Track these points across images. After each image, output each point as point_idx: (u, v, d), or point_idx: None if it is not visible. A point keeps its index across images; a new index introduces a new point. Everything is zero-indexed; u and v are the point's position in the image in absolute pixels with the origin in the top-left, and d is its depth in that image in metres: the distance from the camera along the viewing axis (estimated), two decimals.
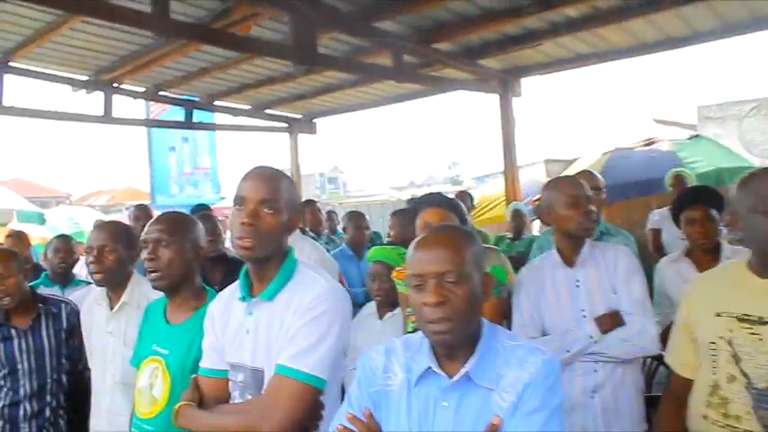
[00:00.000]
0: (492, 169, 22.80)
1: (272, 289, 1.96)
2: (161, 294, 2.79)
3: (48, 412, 3.16)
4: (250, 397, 1.94)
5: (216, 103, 8.72)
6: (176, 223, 2.45)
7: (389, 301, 3.36)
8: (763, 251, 1.98)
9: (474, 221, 6.89)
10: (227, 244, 4.11)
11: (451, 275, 1.60)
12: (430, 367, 1.65)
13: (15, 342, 3.15)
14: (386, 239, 4.86)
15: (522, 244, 6.20)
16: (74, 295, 3.73)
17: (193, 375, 2.14)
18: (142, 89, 8.00)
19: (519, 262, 3.61)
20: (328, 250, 4.55)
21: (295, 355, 1.83)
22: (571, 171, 8.35)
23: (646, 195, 7.07)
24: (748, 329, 1.97)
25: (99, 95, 7.63)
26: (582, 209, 2.73)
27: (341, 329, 1.91)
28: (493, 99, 7.71)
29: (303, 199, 5.94)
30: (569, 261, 2.78)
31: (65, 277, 4.44)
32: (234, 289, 2.12)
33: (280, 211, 1.95)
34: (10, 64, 6.76)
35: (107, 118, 7.66)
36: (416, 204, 2.90)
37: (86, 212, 13.42)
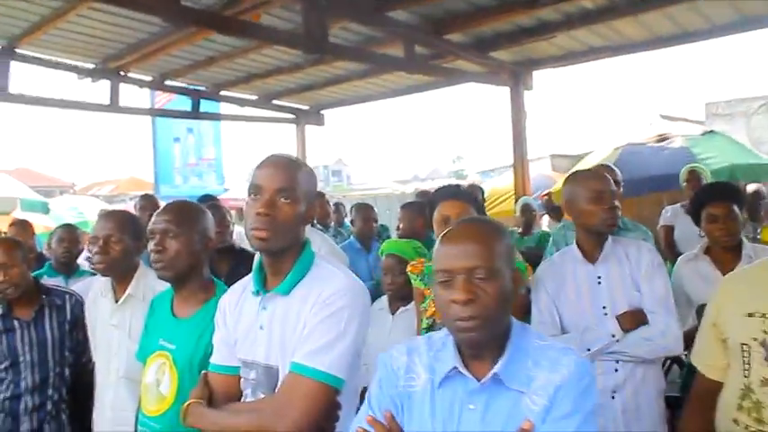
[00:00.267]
0: (497, 163, 22.69)
1: (288, 283, 1.86)
2: (168, 286, 2.72)
3: (49, 406, 3.08)
4: (263, 395, 1.85)
5: (222, 93, 8.63)
6: (184, 213, 2.36)
7: (402, 296, 3.27)
8: None
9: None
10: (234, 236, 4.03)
11: (481, 271, 1.51)
12: (455, 368, 1.57)
13: (18, 334, 3.07)
14: (395, 232, 4.77)
15: (532, 239, 6.11)
16: (76, 286, 3.65)
17: (203, 372, 2.05)
18: (149, 78, 7.92)
19: (528, 257, 3.52)
20: (336, 243, 4.47)
21: (311, 352, 1.74)
22: (581, 166, 8.26)
23: (657, 192, 6.96)
24: None
25: (104, 84, 7.58)
26: (605, 204, 2.65)
27: (359, 326, 1.82)
28: (499, 92, 7.61)
29: None
30: (591, 257, 2.71)
31: (69, 267, 4.36)
32: (247, 282, 2.03)
33: (297, 200, 1.86)
34: (16, 51, 6.68)
35: (113, 107, 7.58)
36: (434, 197, 2.82)
37: (90, 202, 13.36)
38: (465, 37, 6.70)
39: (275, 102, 9.22)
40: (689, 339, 2.54)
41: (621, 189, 3.87)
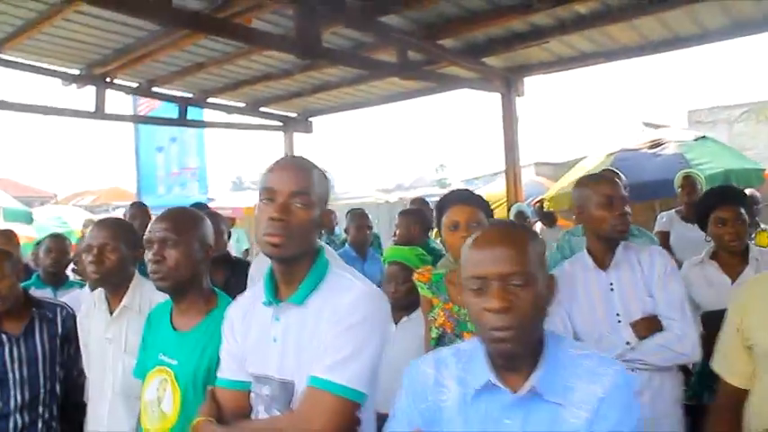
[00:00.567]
0: (481, 171, 22.69)
1: (303, 292, 1.76)
2: (165, 298, 2.60)
3: (40, 424, 2.94)
4: (278, 412, 1.74)
5: (210, 100, 8.50)
6: (183, 221, 2.25)
7: (405, 305, 3.17)
8: None
9: None
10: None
11: (517, 277, 1.43)
12: (489, 381, 1.48)
13: (6, 349, 2.92)
14: (392, 239, 4.69)
15: None
16: (65, 298, 3.53)
17: (209, 387, 1.93)
18: (135, 85, 7.78)
19: None
20: None
21: (331, 366, 1.64)
22: (573, 173, 8.22)
23: (651, 198, 6.93)
24: None
25: (88, 91, 7.41)
26: (616, 210, 2.60)
27: (381, 338, 1.72)
28: (482, 100, 7.63)
29: None
30: (602, 263, 2.65)
31: (57, 279, 4.22)
32: (256, 292, 1.93)
33: (312, 205, 1.76)
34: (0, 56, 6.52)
35: (99, 114, 7.42)
36: (443, 201, 2.74)
37: (74, 212, 13.13)
38: (458, 43, 6.64)
39: (263, 109, 9.11)
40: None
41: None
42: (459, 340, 2.59)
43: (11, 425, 2.87)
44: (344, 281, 1.79)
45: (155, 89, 7.88)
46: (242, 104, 8.90)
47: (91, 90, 7.37)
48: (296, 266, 1.78)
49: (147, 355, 2.31)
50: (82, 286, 3.96)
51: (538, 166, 16.01)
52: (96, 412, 2.70)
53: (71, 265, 4.58)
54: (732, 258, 3.31)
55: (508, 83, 7.46)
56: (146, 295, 2.71)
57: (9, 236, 5.24)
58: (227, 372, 1.92)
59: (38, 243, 4.89)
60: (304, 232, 1.75)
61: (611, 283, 2.60)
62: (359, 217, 5.35)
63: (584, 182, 2.77)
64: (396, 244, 4.07)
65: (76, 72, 7.19)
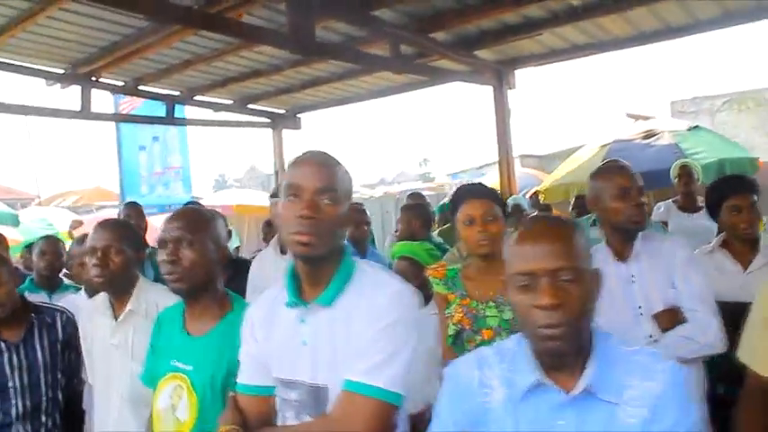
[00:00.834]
0: (466, 165, 22.73)
1: (331, 293, 1.69)
2: (173, 301, 2.52)
3: None
4: (308, 418, 1.67)
5: (197, 97, 8.37)
6: (198, 220, 2.16)
7: None
8: None
9: None
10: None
11: (567, 272, 1.37)
12: (538, 380, 1.42)
13: (5, 357, 2.81)
14: (394, 234, 4.61)
15: None
16: (62, 302, 3.41)
17: (230, 394, 1.85)
18: (121, 83, 7.64)
19: None
20: None
21: (368, 368, 1.57)
22: (566, 165, 8.20)
23: (645, 190, 6.90)
24: None
25: (69, 91, 7.27)
26: (632, 201, 2.56)
27: (417, 337, 1.65)
28: (465, 94, 7.61)
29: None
30: (621, 255, 2.60)
31: (51, 282, 4.10)
32: (276, 293, 1.85)
33: (339, 201, 1.68)
34: None
35: (85, 113, 7.28)
36: (457, 196, 2.67)
37: (60, 213, 12.92)
38: (450, 36, 6.58)
39: (251, 106, 8.99)
40: None
41: None
42: (477, 337, 2.53)
43: None
44: (375, 279, 1.72)
45: (141, 87, 7.75)
46: (230, 102, 8.78)
47: (73, 89, 7.23)
48: (323, 266, 1.70)
49: (157, 361, 2.22)
50: (77, 290, 3.85)
51: (523, 159, 16.07)
52: (103, 420, 2.61)
53: (63, 270, 4.45)
54: (744, 246, 3.28)
55: (500, 75, 7.42)
56: (151, 299, 2.62)
57: None
58: (248, 377, 1.84)
59: (27, 246, 4.77)
60: (333, 230, 1.68)
61: (632, 275, 2.56)
62: (357, 213, 5.26)
63: (599, 173, 2.72)
64: (398, 239, 4.00)
65: (61, 71, 7.03)
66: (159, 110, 9.39)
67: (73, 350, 2.90)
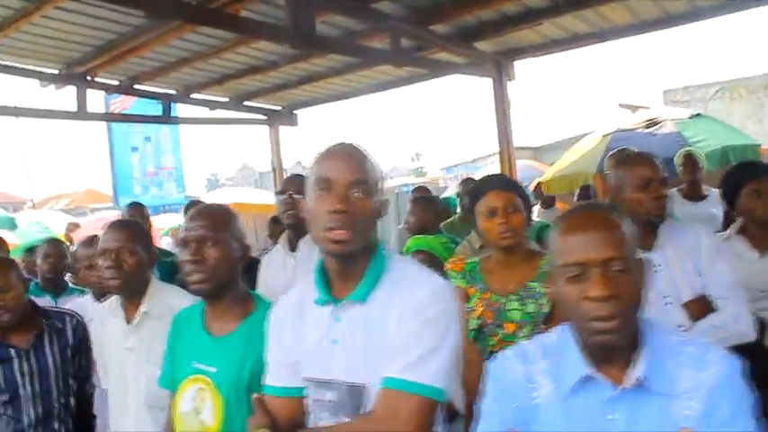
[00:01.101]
0: (460, 159, 22.71)
1: (365, 289, 1.63)
2: (187, 302, 2.47)
3: None
4: (346, 418, 1.61)
5: (193, 95, 8.28)
6: (220, 218, 2.09)
7: None
8: None
9: None
10: None
11: (618, 263, 1.33)
12: (588, 374, 1.37)
13: (15, 364, 2.76)
14: (404, 228, 4.54)
15: (531, 231, 5.94)
16: (69, 306, 3.35)
17: (256, 396, 1.77)
18: (116, 82, 7.54)
19: None
20: None
21: (410, 364, 1.52)
22: (569, 156, 8.15)
23: None
24: None
25: (61, 91, 7.14)
26: (653, 193, 2.51)
27: (458, 331, 1.60)
28: (455, 87, 7.53)
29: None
30: (645, 245, 2.54)
31: (56, 285, 4.03)
32: (303, 290, 1.79)
33: (371, 194, 1.63)
34: None
35: (81, 114, 7.18)
36: (478, 187, 2.62)
37: (55, 216, 12.79)
38: (450, 28, 6.51)
39: (247, 103, 8.90)
40: None
41: None
42: (500, 330, 2.49)
43: None
44: (410, 274, 1.66)
45: (136, 86, 7.66)
46: (225, 99, 8.69)
47: (65, 90, 7.11)
48: (355, 261, 1.65)
49: (176, 364, 2.16)
50: (82, 293, 3.78)
51: (517, 151, 16.03)
52: (119, 425, 2.56)
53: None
54: (761, 232, 3.24)
55: (500, 67, 7.35)
56: (165, 300, 2.57)
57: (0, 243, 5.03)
58: (276, 378, 1.78)
59: (28, 249, 4.69)
60: (367, 224, 1.62)
61: (658, 265, 2.50)
62: None
63: (622, 161, 2.67)
64: (410, 233, 3.94)
65: (55, 71, 6.93)
66: (151, 109, 9.31)
67: (84, 354, 2.85)
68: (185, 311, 2.27)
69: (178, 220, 11.99)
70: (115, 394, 2.59)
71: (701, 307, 2.41)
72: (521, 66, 7.59)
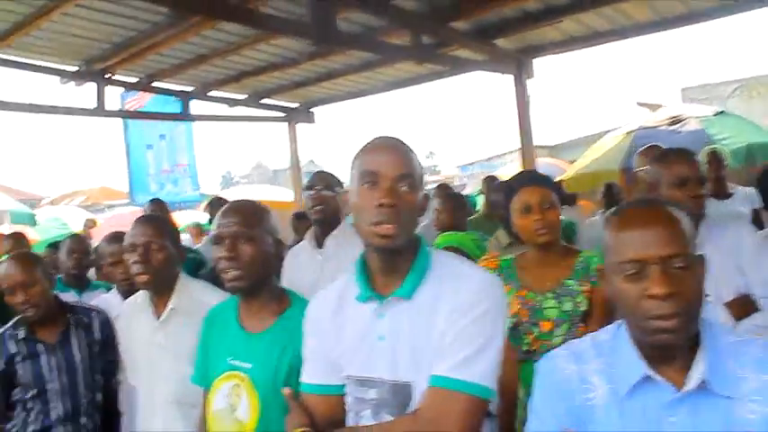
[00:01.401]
0: (475, 157, 22.60)
1: (410, 285, 1.59)
2: (216, 298, 2.44)
3: None
4: (389, 417, 1.57)
5: (211, 92, 8.27)
6: (254, 213, 2.06)
7: None
8: None
9: None
10: None
11: (680, 259, 1.28)
12: (646, 375, 1.32)
13: (44, 359, 2.74)
14: (429, 223, 4.48)
15: None
16: (95, 301, 3.33)
17: (290, 392, 1.72)
18: (134, 80, 7.54)
19: None
20: None
21: (459, 363, 1.48)
22: (590, 154, 8.08)
23: None
24: None
25: (77, 88, 7.15)
26: (690, 192, 2.46)
27: (505, 328, 1.57)
28: (470, 85, 7.43)
29: None
30: None
31: (80, 281, 4.02)
32: (342, 287, 1.75)
33: (417, 188, 1.59)
34: None
35: (100, 111, 7.19)
36: (513, 183, 2.58)
37: (73, 212, 12.84)
38: (470, 24, 6.47)
39: (264, 101, 8.89)
40: None
41: None
42: (535, 329, 2.45)
43: None
44: (456, 269, 1.62)
45: (155, 83, 7.66)
46: (243, 96, 8.68)
47: (79, 87, 7.11)
48: (400, 257, 1.61)
49: (210, 360, 2.13)
50: (107, 289, 3.77)
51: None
52: (148, 422, 2.53)
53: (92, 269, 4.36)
54: None
55: (520, 64, 7.29)
56: (193, 296, 2.54)
57: (19, 238, 5.04)
58: (314, 376, 1.74)
59: (51, 245, 4.68)
60: (412, 219, 1.59)
61: None
62: None
63: (659, 159, 2.61)
64: (438, 229, 3.89)
65: (75, 68, 6.94)
66: (166, 106, 9.30)
67: (110, 350, 2.82)
68: (219, 307, 2.24)
69: (194, 217, 12.01)
70: (144, 391, 2.57)
71: (743, 306, 2.36)
72: (539, 63, 7.53)
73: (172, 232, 2.63)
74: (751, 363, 1.31)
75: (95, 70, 6.92)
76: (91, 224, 10.34)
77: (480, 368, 1.49)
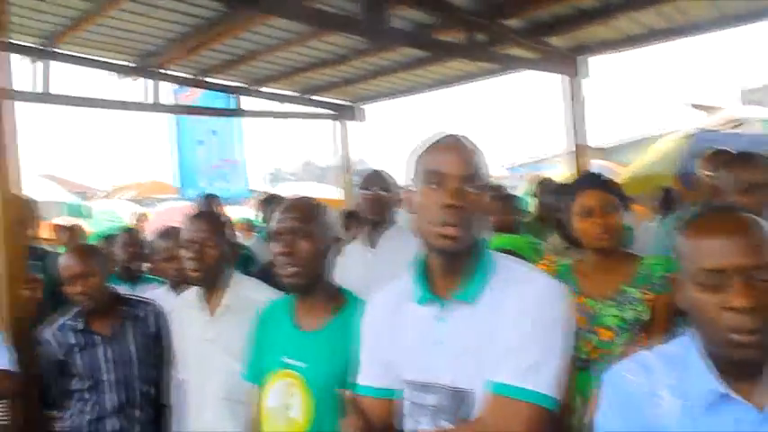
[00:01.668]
0: (525, 158, 22.28)
1: (473, 288, 1.55)
2: (268, 295, 2.43)
3: (136, 428, 2.79)
4: (447, 424, 1.53)
5: (261, 88, 8.32)
6: (312, 210, 2.06)
7: None
8: None
9: None
10: None
11: (764, 271, 1.21)
12: (723, 393, 1.26)
13: (99, 350, 2.79)
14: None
15: None
16: (147, 295, 3.36)
17: (349, 394, 1.69)
18: (186, 75, 7.63)
19: None
20: None
21: (523, 370, 1.44)
22: (648, 158, 7.88)
23: None
24: None
25: (127, 83, 7.25)
26: (756, 197, 2.35)
27: (571, 335, 1.52)
28: (516, 84, 7.27)
29: None
30: None
31: (133, 274, 4.07)
32: (399, 288, 1.71)
33: (483, 189, 1.55)
34: (55, 50, 6.40)
35: (154, 106, 7.30)
36: (572, 186, 2.51)
37: (125, 206, 13.10)
38: (523, 22, 6.37)
39: (314, 97, 8.91)
40: None
41: None
42: (593, 337, 2.38)
43: (106, 428, 2.74)
44: (522, 274, 1.57)
45: (207, 79, 7.73)
46: (293, 93, 8.71)
47: (129, 82, 7.22)
48: (463, 259, 1.57)
49: (263, 358, 2.12)
50: (160, 283, 3.81)
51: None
52: (198, 418, 2.55)
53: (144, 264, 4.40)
54: None
55: (573, 64, 7.14)
56: (246, 293, 2.55)
57: (75, 230, 5.14)
58: (370, 378, 1.72)
59: (105, 237, 4.75)
60: (479, 221, 1.54)
61: None
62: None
63: (725, 164, 2.51)
64: (491, 231, 3.83)
65: (130, 64, 7.05)
66: (217, 102, 9.40)
67: (163, 344, 2.84)
68: (273, 305, 2.23)
69: (243, 213, 12.13)
70: (194, 386, 2.58)
71: None
72: (593, 63, 7.36)
73: (226, 229, 2.64)
74: None
75: (150, 66, 7.02)
76: (142, 218, 10.52)
77: (545, 377, 1.44)
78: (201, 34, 6.19)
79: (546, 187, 5.13)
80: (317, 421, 1.91)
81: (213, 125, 16.55)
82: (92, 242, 5.88)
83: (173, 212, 11.36)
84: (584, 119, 7.21)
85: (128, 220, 10.22)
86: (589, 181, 2.50)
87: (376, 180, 3.28)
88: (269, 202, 4.77)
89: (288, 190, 16.53)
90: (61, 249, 4.11)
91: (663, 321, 2.31)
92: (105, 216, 10.40)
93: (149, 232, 5.07)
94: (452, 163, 1.52)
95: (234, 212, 14.05)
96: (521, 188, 11.67)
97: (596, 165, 7.87)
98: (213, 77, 7.76)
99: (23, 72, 6.52)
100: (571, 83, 7.13)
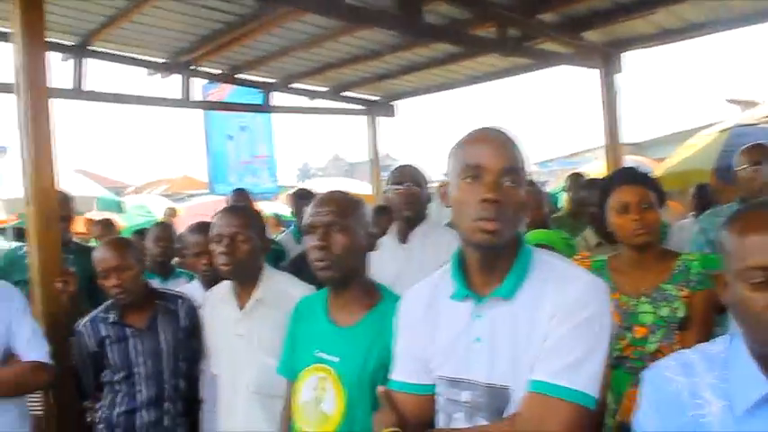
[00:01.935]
0: (556, 153, 22.05)
1: (511, 284, 1.52)
2: (301, 290, 2.43)
3: (166, 421, 2.80)
4: (483, 421, 1.51)
5: (292, 85, 8.33)
6: (347, 204, 2.04)
7: None
8: None
9: None
10: None
11: None
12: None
13: (131, 343, 2.80)
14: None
15: None
16: (178, 289, 3.38)
17: (384, 390, 1.68)
18: (218, 71, 7.67)
19: None
20: None
21: (563, 368, 1.40)
22: (682, 152, 7.75)
23: None
24: None
25: (160, 79, 7.30)
26: None
27: (611, 334, 1.48)
28: (548, 79, 7.13)
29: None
30: None
31: (165, 268, 4.10)
32: (435, 284, 1.69)
33: (521, 183, 1.52)
34: (89, 48, 6.47)
35: (186, 102, 7.36)
36: (609, 181, 2.47)
37: (157, 200, 13.26)
38: (558, 17, 6.27)
39: (345, 93, 8.89)
40: None
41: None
42: (628, 334, 2.34)
43: (138, 420, 2.76)
44: (559, 269, 1.54)
45: (238, 75, 7.76)
46: (324, 89, 8.70)
47: (160, 78, 7.27)
48: (501, 255, 1.54)
49: (297, 352, 2.12)
50: (190, 277, 3.83)
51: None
52: (230, 412, 2.55)
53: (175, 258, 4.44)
54: None
55: (608, 58, 7.03)
56: (278, 288, 2.55)
57: (108, 224, 5.19)
58: (404, 374, 1.69)
59: (138, 231, 4.80)
60: (516, 215, 1.51)
61: None
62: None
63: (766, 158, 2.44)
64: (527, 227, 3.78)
65: (162, 60, 7.11)
66: (247, 98, 9.44)
67: (195, 338, 2.86)
68: (307, 299, 2.23)
69: (272, 208, 12.18)
70: (226, 380, 2.59)
71: None
72: (628, 57, 7.24)
73: (258, 223, 2.65)
74: None
75: (182, 62, 7.05)
76: (172, 213, 10.63)
77: (584, 375, 1.40)
78: (234, 31, 6.21)
79: (579, 182, 5.05)
80: (350, 416, 1.90)
81: (243, 121, 16.71)
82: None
83: (203, 207, 11.45)
84: (619, 114, 7.09)
85: (160, 214, 10.32)
86: (626, 176, 2.45)
87: (409, 176, 3.25)
88: (300, 196, 4.77)
89: (317, 185, 16.59)
90: (94, 243, 4.14)
91: (700, 319, 2.26)
92: (138, 211, 10.53)
93: (180, 227, 5.10)
94: (490, 156, 1.49)
95: (263, 207, 14.17)
96: (552, 183, 11.57)
97: (629, 160, 7.74)
98: (244, 73, 7.79)
99: (58, 69, 6.61)
100: (606, 78, 7.01)
